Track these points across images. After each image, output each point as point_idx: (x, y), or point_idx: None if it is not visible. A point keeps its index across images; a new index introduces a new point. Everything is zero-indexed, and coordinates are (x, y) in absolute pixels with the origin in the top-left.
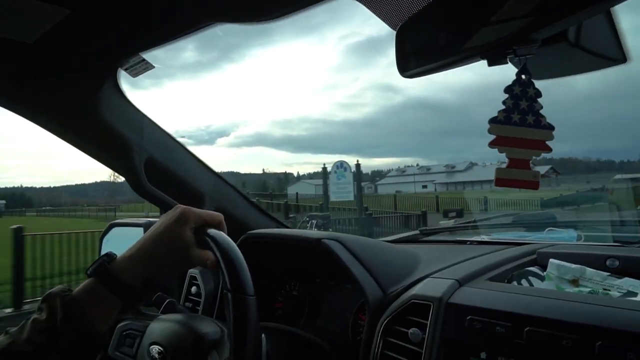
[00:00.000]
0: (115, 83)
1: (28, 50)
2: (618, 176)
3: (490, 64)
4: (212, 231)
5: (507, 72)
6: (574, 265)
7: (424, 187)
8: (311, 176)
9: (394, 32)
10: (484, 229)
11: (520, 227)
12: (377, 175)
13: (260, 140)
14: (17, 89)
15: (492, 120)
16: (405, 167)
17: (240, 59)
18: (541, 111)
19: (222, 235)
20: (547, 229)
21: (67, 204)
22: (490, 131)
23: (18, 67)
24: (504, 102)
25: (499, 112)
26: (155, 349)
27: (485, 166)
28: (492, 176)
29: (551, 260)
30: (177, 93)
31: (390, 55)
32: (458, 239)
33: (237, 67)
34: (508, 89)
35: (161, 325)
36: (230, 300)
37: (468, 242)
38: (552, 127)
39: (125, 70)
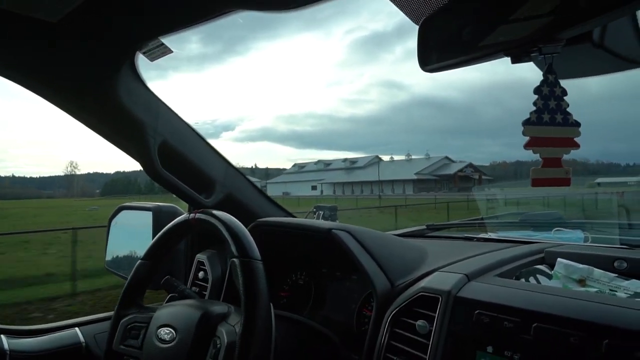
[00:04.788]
0: (133, 66)
1: (52, 29)
2: (599, 179)
3: (513, 62)
4: (214, 211)
5: (514, 72)
6: (581, 265)
7: (313, 188)
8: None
9: (416, 27)
10: (491, 226)
11: (527, 226)
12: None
13: (266, 135)
14: (39, 67)
15: (526, 122)
16: (305, 163)
17: (246, 52)
18: (568, 109)
19: (223, 212)
20: (554, 229)
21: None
22: (524, 133)
23: (41, 46)
24: (534, 103)
25: (531, 113)
26: (163, 330)
27: (394, 161)
28: (398, 175)
29: (559, 259)
30: (182, 85)
31: (395, 52)
32: (465, 235)
33: (243, 60)
34: (537, 90)
35: (168, 310)
36: (238, 265)
37: (475, 239)
38: (578, 124)
39: (144, 53)
